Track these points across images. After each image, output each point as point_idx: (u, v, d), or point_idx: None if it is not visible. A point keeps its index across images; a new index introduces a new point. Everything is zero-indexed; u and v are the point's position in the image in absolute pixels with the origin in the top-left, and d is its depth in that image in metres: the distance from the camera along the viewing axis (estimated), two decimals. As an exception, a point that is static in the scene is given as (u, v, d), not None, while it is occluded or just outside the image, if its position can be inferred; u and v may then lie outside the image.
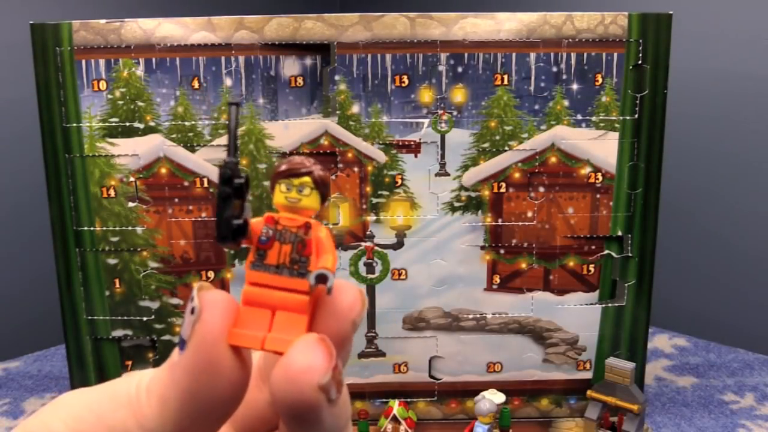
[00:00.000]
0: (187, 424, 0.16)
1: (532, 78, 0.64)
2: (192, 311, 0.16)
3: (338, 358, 0.16)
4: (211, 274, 0.66)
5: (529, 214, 0.66)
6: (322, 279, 0.17)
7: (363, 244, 0.66)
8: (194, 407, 0.15)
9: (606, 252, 0.67)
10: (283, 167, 0.18)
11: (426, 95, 0.64)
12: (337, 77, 0.63)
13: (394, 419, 0.66)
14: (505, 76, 0.64)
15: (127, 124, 0.63)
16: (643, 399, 0.63)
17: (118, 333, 0.67)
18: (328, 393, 0.15)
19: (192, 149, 0.64)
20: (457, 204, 0.66)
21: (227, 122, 0.18)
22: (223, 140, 0.64)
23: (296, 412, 0.15)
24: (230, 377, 0.16)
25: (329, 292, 0.17)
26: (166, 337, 0.67)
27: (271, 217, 0.18)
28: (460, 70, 0.63)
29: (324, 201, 0.19)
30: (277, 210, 0.18)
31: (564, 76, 0.64)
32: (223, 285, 0.67)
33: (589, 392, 0.65)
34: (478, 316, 0.68)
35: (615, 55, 0.63)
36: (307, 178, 0.18)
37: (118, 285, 0.66)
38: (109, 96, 0.63)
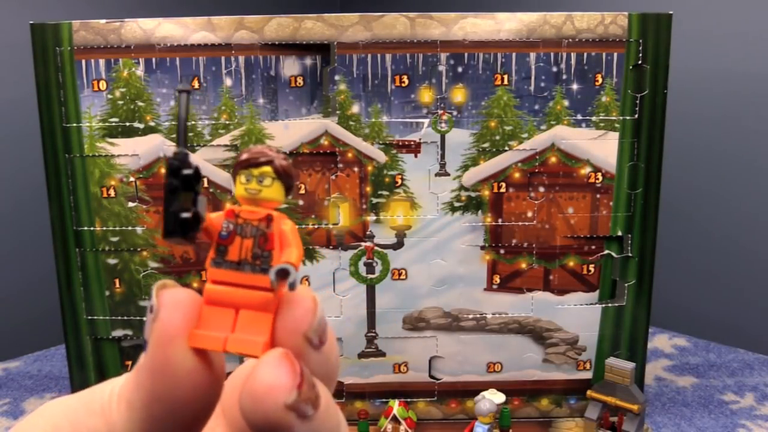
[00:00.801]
0: (154, 428, 0.15)
1: (532, 78, 0.64)
2: (150, 310, 0.16)
3: (308, 373, 0.15)
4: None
5: (529, 214, 0.66)
6: (282, 274, 0.16)
7: (363, 244, 0.66)
8: (158, 410, 0.15)
9: (606, 252, 0.67)
10: (243, 157, 0.17)
11: (426, 95, 0.64)
12: (337, 77, 0.63)
13: (394, 419, 0.66)
14: (505, 76, 0.64)
15: (127, 124, 0.63)
16: (643, 399, 0.63)
17: (118, 333, 0.67)
18: (298, 410, 0.15)
19: (192, 149, 0.64)
20: (457, 204, 0.66)
21: (178, 110, 0.17)
22: (223, 140, 0.64)
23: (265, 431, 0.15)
24: (191, 378, 0.15)
25: (291, 288, 0.16)
26: (166, 337, 0.67)
27: (231, 211, 0.17)
28: (460, 70, 0.63)
29: (288, 192, 0.17)
30: (239, 203, 0.17)
31: (564, 76, 0.64)
32: (223, 285, 0.67)
33: (589, 392, 0.65)
34: (478, 316, 0.68)
35: (615, 55, 0.63)
36: (267, 168, 0.17)
37: (118, 285, 0.66)
38: (109, 96, 0.63)
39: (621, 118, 0.64)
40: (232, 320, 0.16)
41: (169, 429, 0.15)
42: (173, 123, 0.63)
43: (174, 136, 0.64)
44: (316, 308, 0.16)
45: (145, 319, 0.16)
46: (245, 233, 0.17)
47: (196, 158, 0.64)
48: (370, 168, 0.65)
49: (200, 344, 0.16)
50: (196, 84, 0.63)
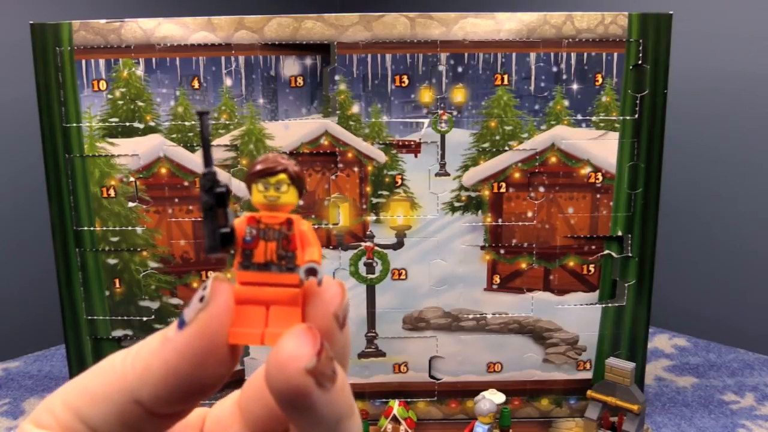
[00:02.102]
0: (165, 394, 0.16)
1: (532, 78, 0.64)
2: (201, 299, 0.17)
3: (328, 348, 0.17)
4: (211, 275, 0.66)
5: (529, 214, 0.66)
6: (312, 272, 0.18)
7: (363, 244, 0.66)
8: (175, 385, 0.16)
9: (606, 252, 0.67)
10: (258, 167, 0.18)
11: (426, 95, 0.64)
12: (337, 77, 0.63)
13: (394, 419, 0.66)
14: (505, 76, 0.64)
15: (127, 124, 0.63)
16: (643, 399, 0.63)
17: (118, 333, 0.67)
18: (317, 377, 0.16)
19: (192, 149, 0.64)
20: (457, 204, 0.66)
21: (199, 132, 0.18)
22: (224, 140, 0.64)
23: (287, 397, 0.16)
24: (218, 369, 0.17)
25: (320, 284, 0.18)
26: (166, 337, 0.67)
27: (252, 217, 0.18)
28: (460, 70, 0.63)
29: (301, 195, 0.19)
30: (257, 209, 0.19)
31: (564, 76, 0.64)
32: (223, 285, 0.67)
33: (589, 392, 0.65)
34: (478, 316, 0.68)
35: (615, 55, 0.63)
36: (283, 176, 0.18)
37: (118, 285, 0.66)
38: (109, 96, 0.63)
39: (621, 118, 0.64)
40: (264, 316, 0.18)
41: (176, 399, 0.17)
42: (173, 123, 0.63)
43: (174, 136, 0.64)
44: (344, 292, 0.18)
45: (187, 304, 0.17)
46: (268, 237, 0.18)
47: (197, 158, 0.64)
48: (370, 168, 0.65)
49: (240, 341, 0.17)
50: (196, 84, 0.63)
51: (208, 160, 0.18)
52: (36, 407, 0.17)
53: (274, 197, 0.18)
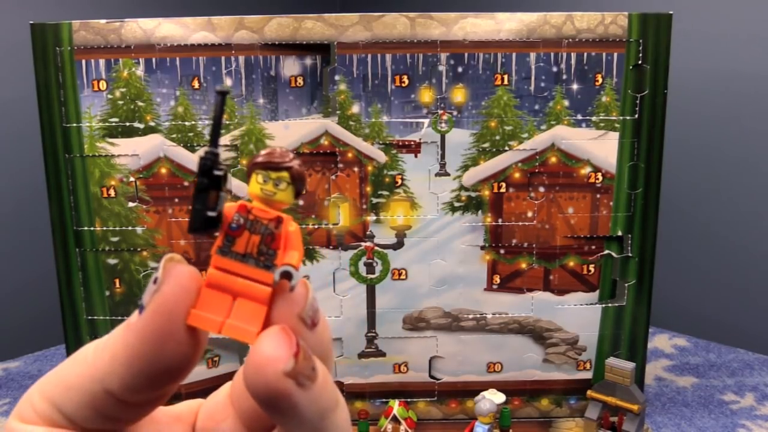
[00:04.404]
0: (130, 381, 0.17)
1: (532, 78, 0.64)
2: (155, 281, 0.17)
3: (305, 347, 0.17)
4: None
5: (529, 214, 0.66)
6: (286, 275, 0.17)
7: (363, 244, 0.66)
8: (139, 369, 0.16)
9: (606, 252, 0.67)
10: (262, 158, 0.18)
11: (426, 95, 0.64)
12: (337, 77, 0.63)
13: (394, 419, 0.66)
14: (505, 76, 0.64)
15: (127, 124, 0.63)
16: (643, 399, 0.63)
17: (118, 333, 0.67)
18: (296, 378, 0.16)
19: (192, 149, 0.64)
20: (457, 204, 0.66)
21: (214, 110, 0.18)
22: (223, 140, 0.64)
23: (268, 400, 0.16)
24: (178, 350, 0.17)
25: (291, 290, 0.17)
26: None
27: (243, 206, 0.18)
28: (460, 70, 0.63)
29: (298, 196, 0.19)
30: (251, 199, 0.18)
31: (564, 76, 0.64)
32: (223, 285, 0.67)
33: (589, 392, 0.65)
34: (478, 316, 0.68)
35: (615, 55, 0.63)
36: (285, 173, 0.18)
37: (118, 285, 0.66)
38: (109, 96, 0.63)
39: (621, 118, 0.64)
40: (228, 306, 0.17)
41: (145, 385, 0.17)
42: (173, 123, 0.63)
43: (174, 136, 0.64)
44: (308, 293, 0.18)
45: (146, 287, 0.17)
46: (254, 229, 0.18)
47: (197, 158, 0.64)
48: (370, 168, 0.65)
49: (199, 324, 0.17)
50: (196, 84, 0.63)
51: (215, 140, 0.18)
52: (20, 399, 0.18)
53: (271, 192, 0.18)
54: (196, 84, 0.63)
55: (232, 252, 0.18)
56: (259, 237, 0.18)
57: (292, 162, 0.18)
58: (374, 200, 0.66)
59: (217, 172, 0.17)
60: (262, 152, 0.18)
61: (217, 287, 0.18)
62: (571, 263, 0.67)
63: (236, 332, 0.17)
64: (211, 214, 0.17)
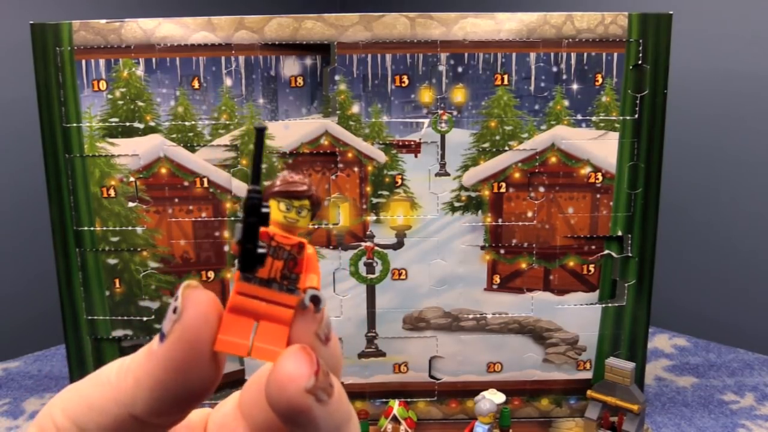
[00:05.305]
0: (155, 405, 0.17)
1: (532, 78, 0.64)
2: (174, 310, 0.17)
3: (323, 364, 0.18)
4: (211, 274, 0.66)
5: (529, 214, 0.66)
6: (315, 300, 0.18)
7: (363, 244, 0.66)
8: (163, 395, 0.17)
9: (606, 252, 0.67)
10: (284, 187, 0.19)
11: (426, 95, 0.64)
12: (337, 77, 0.63)
13: (394, 419, 0.66)
14: (505, 76, 0.64)
15: (127, 124, 0.63)
16: (643, 399, 0.63)
17: (118, 333, 0.67)
18: (316, 394, 0.17)
19: (192, 149, 0.64)
20: (457, 204, 0.66)
21: (254, 147, 0.18)
22: (224, 140, 0.64)
23: (289, 415, 0.17)
24: (202, 375, 0.17)
25: (318, 312, 0.19)
26: (166, 337, 0.67)
27: (266, 233, 0.19)
28: (460, 70, 0.63)
29: (313, 218, 0.19)
30: (272, 225, 0.19)
31: (564, 76, 0.64)
32: (223, 285, 0.67)
33: (589, 392, 0.65)
34: (478, 316, 0.68)
35: (615, 55, 0.63)
36: (306, 201, 0.19)
37: (118, 285, 0.66)
38: (109, 96, 0.63)
39: (621, 118, 0.64)
40: (252, 329, 0.18)
41: (168, 409, 0.17)
42: (173, 123, 0.63)
43: (174, 136, 0.64)
44: (324, 310, 0.19)
45: (165, 314, 0.18)
46: (277, 255, 0.19)
47: (197, 158, 0.64)
48: (370, 168, 0.65)
49: (226, 349, 0.17)
50: (196, 84, 0.63)
51: (256, 177, 0.18)
52: (41, 411, 0.18)
53: (294, 219, 0.19)
54: (196, 84, 0.63)
55: (256, 278, 0.18)
56: (282, 262, 0.19)
57: (312, 189, 0.19)
58: (374, 200, 0.66)
59: (265, 210, 0.18)
60: (281, 180, 0.19)
61: (239, 311, 0.18)
62: (571, 263, 0.67)
63: (264, 354, 0.18)
64: (261, 251, 0.18)
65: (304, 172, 0.65)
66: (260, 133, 0.18)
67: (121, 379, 0.17)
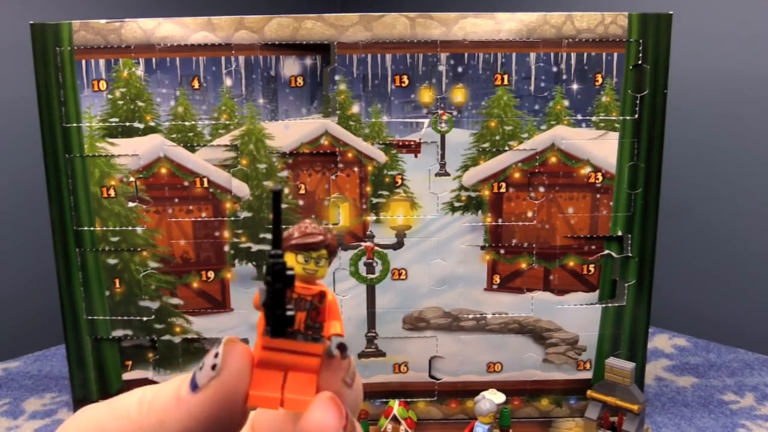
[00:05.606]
0: None
1: (532, 78, 0.64)
2: (213, 367, 0.17)
3: (350, 414, 0.18)
4: (211, 275, 0.66)
5: (529, 214, 0.66)
6: (342, 348, 0.19)
7: (363, 244, 0.66)
8: None
9: (606, 252, 0.67)
10: (301, 240, 0.19)
11: (426, 95, 0.64)
12: (337, 77, 0.63)
13: (394, 419, 0.66)
14: (505, 76, 0.64)
15: (127, 124, 0.63)
16: (643, 399, 0.63)
17: (118, 333, 0.67)
18: None
19: (192, 149, 0.64)
20: (457, 204, 0.66)
21: (272, 210, 0.18)
22: (223, 140, 0.64)
23: None
24: (231, 428, 0.18)
25: (344, 358, 0.19)
26: (166, 337, 0.67)
27: None
28: (460, 70, 0.63)
29: (330, 264, 0.20)
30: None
31: (564, 76, 0.64)
32: (223, 285, 0.67)
33: (589, 392, 0.65)
34: (478, 316, 0.68)
35: (615, 55, 0.63)
36: (324, 251, 0.19)
37: (118, 285, 0.66)
38: (109, 96, 0.63)
39: (621, 118, 0.64)
40: (280, 380, 0.18)
41: None
42: (173, 123, 0.63)
43: (174, 136, 0.64)
44: (350, 358, 0.20)
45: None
46: (300, 307, 0.19)
47: (197, 158, 0.64)
48: (370, 168, 0.65)
49: (258, 404, 0.18)
50: (196, 84, 0.63)
51: (278, 241, 0.18)
52: None
53: (313, 270, 0.19)
54: (196, 84, 0.63)
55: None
56: (305, 313, 0.19)
57: (328, 237, 0.19)
58: (374, 200, 0.66)
59: (290, 273, 0.18)
60: (297, 232, 0.19)
61: (268, 365, 0.18)
62: (571, 263, 0.67)
63: (296, 405, 0.18)
64: (290, 313, 0.18)
65: (303, 171, 0.65)
66: (277, 195, 0.18)
67: (142, 416, 0.17)
